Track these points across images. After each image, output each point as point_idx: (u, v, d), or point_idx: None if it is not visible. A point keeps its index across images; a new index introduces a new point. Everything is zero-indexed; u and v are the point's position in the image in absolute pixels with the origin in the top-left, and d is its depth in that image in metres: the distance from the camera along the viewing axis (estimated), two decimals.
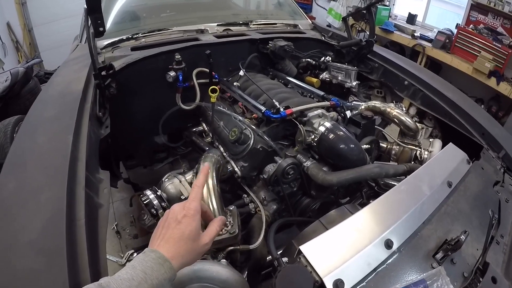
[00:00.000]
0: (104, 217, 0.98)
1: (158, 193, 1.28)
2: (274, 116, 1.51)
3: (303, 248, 0.85)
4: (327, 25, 5.76)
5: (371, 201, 1.17)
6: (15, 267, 0.75)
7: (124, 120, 1.84)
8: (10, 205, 0.91)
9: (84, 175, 1.01)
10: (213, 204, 1.20)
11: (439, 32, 4.78)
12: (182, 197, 1.34)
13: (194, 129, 2.04)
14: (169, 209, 0.78)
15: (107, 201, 1.03)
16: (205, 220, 0.85)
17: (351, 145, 1.40)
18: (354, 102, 1.95)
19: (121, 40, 2.06)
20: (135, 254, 0.88)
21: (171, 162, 2.18)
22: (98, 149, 1.29)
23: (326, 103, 1.69)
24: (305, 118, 1.53)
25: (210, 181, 1.26)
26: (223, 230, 1.12)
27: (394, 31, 5.36)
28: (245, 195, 1.52)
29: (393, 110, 1.78)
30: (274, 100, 1.59)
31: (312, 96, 1.88)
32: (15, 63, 5.85)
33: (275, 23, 2.63)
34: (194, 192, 0.81)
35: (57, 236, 0.80)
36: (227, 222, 1.14)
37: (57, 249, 0.78)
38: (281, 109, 1.52)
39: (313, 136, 1.47)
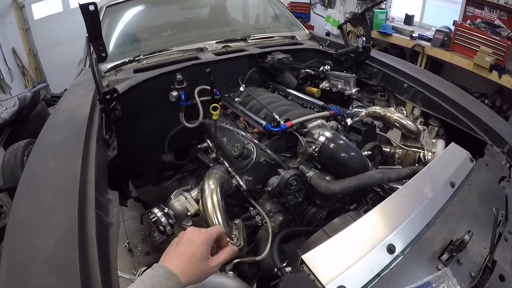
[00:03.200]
0: (114, 236, 1.01)
1: (165, 210, 1.32)
2: (274, 129, 1.54)
3: (305, 257, 0.88)
4: (326, 33, 5.81)
5: None
6: (31, 285, 0.79)
7: (130, 141, 1.88)
8: (25, 227, 0.96)
9: (94, 196, 1.05)
10: (218, 218, 1.23)
11: (437, 30, 4.76)
12: (189, 213, 1.37)
13: (199, 146, 2.08)
14: (185, 230, 0.82)
15: (117, 220, 1.07)
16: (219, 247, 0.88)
17: (352, 153, 1.42)
18: (355, 109, 1.97)
19: (124, 63, 2.11)
20: None
21: (179, 179, 2.21)
22: (106, 171, 1.34)
23: (325, 113, 1.71)
24: (305, 130, 1.55)
25: (214, 197, 1.30)
26: (229, 244, 1.14)
27: (393, 34, 5.36)
28: (252, 208, 1.54)
29: (394, 114, 1.80)
30: (274, 114, 1.62)
31: (312, 106, 1.90)
32: (22, 87, 5.98)
33: (273, 36, 2.67)
34: (216, 228, 0.86)
35: (70, 255, 0.84)
36: (233, 235, 1.17)
37: (70, 267, 0.81)
38: (282, 122, 1.55)
39: (314, 147, 1.49)
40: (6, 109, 3.59)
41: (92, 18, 1.31)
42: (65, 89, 5.89)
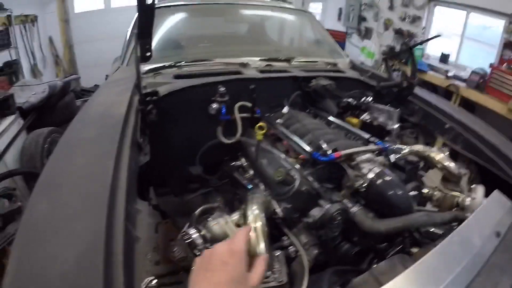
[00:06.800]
0: (142, 252, 0.92)
1: (201, 232, 1.19)
2: (322, 158, 1.45)
3: None
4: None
5: (412, 249, 1.21)
6: None
7: (160, 148, 1.81)
8: (41, 230, 0.83)
9: (123, 206, 0.94)
10: (261, 248, 1.11)
11: (473, 72, 4.71)
12: (227, 239, 1.25)
13: (233, 164, 1.99)
14: (210, 249, 0.72)
15: (144, 235, 0.98)
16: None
17: (401, 193, 1.33)
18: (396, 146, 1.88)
19: (164, 67, 2.07)
20: (154, 281, 0.82)
21: (205, 193, 2.11)
22: (136, 178, 1.23)
23: (376, 147, 1.62)
24: (353, 162, 1.46)
25: (258, 224, 1.17)
26: (271, 278, 1.05)
27: (427, 71, 5.30)
28: (284, 238, 1.43)
29: (437, 155, 1.69)
30: (321, 143, 1.52)
31: (357, 138, 1.81)
32: (53, 76, 6.17)
33: (316, 61, 2.62)
34: (242, 233, 0.77)
35: (93, 272, 0.71)
36: (275, 269, 1.07)
37: (92, 287, 0.69)
38: (329, 152, 1.45)
39: (361, 181, 1.39)
40: (35, 93, 3.62)
41: (146, 13, 1.25)
42: (95, 84, 6.03)
